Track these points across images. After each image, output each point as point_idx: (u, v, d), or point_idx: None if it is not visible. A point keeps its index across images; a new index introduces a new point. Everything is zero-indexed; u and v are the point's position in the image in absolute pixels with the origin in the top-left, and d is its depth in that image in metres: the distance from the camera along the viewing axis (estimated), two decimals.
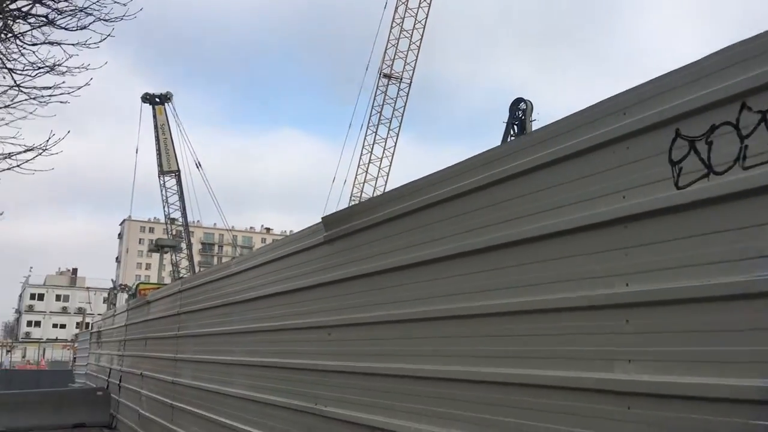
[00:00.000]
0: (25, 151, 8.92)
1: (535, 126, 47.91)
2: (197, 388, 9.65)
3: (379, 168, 56.92)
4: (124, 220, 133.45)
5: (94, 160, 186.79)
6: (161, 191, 59.16)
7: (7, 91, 8.94)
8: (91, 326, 25.15)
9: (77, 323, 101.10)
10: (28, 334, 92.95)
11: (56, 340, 48.34)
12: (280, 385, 6.75)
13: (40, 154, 9.03)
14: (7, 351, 37.20)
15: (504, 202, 3.97)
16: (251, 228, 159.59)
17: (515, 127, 48.97)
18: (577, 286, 3.33)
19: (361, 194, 56.40)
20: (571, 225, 3.40)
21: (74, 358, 49.34)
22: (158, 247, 59.27)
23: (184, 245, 62.73)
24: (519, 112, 49.18)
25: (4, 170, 9.15)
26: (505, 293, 3.86)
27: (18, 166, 8.95)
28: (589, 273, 3.28)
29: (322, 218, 6.10)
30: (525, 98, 49.09)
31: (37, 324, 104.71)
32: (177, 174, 58.99)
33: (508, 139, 48.68)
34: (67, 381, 27.94)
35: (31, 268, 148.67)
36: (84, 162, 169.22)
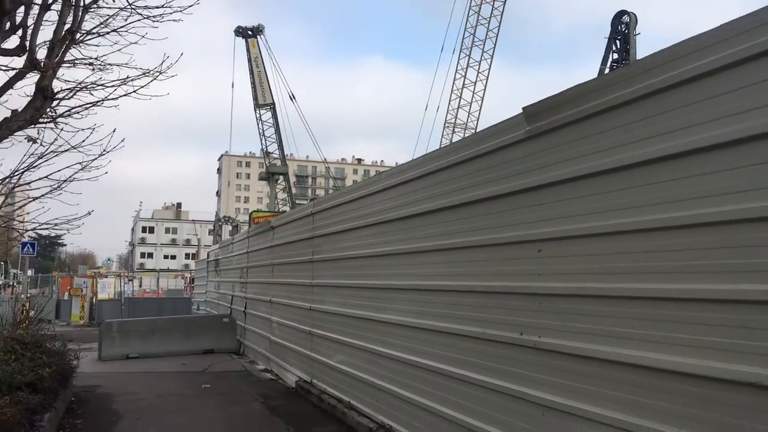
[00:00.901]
0: (141, 76, 8.23)
1: (639, 40, 44.23)
2: (342, 315, 8.95)
3: (473, 93, 54.72)
4: (222, 156, 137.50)
5: (192, 97, 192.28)
6: (257, 124, 59.58)
7: (119, 12, 8.21)
8: (208, 255, 25.52)
9: (186, 254, 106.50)
10: (141, 265, 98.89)
11: (168, 270, 50.50)
12: (460, 312, 5.80)
13: (156, 78, 8.32)
14: (129, 280, 38.87)
15: None
16: (342, 159, 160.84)
17: (617, 42, 45.47)
18: None
19: (455, 120, 54.71)
20: None
21: (192, 286, 51.57)
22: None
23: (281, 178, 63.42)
24: (622, 25, 45.54)
25: (121, 96, 8.50)
26: None
27: (134, 91, 8.29)
28: None
29: (524, 108, 4.91)
30: (628, 11, 45.32)
31: (150, 255, 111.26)
32: (272, 107, 59.09)
33: (609, 56, 45.30)
34: (186, 308, 28.83)
35: (141, 202, 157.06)
36: (183, 100, 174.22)
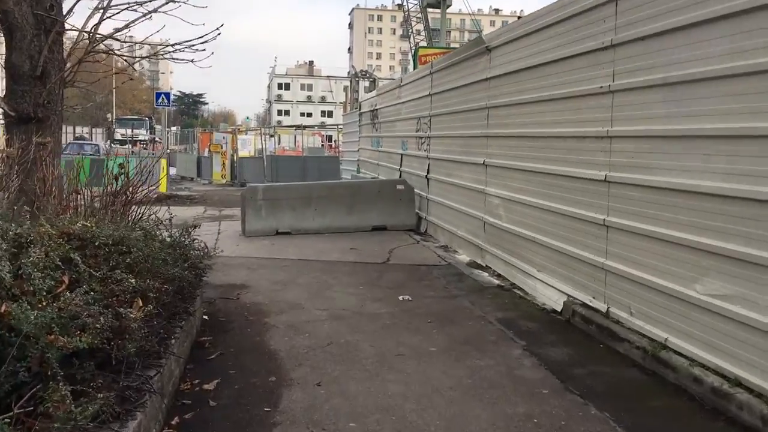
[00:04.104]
0: None
1: None
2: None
3: None
4: (353, 9, 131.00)
5: None
6: None
7: None
8: (360, 106, 21.12)
9: (321, 111, 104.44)
10: (279, 122, 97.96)
11: (304, 128, 47.43)
12: None
13: None
14: (270, 136, 35.95)
15: None
16: (479, 10, 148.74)
17: None
18: None
19: None
20: None
21: (330, 144, 48.70)
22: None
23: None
24: None
25: None
26: None
27: None
28: None
29: None
30: None
31: (286, 113, 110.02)
32: None
33: None
34: (333, 169, 25.24)
35: (276, 58, 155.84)
36: None
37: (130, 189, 6.26)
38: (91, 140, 46.88)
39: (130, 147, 42.14)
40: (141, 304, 3.76)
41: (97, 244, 3.85)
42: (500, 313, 6.43)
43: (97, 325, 3.16)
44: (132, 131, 47.08)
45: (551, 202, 6.66)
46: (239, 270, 8.69)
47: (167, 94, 26.25)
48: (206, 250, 6.33)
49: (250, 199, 12.01)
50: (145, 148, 46.31)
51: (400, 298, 7.06)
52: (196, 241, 6.22)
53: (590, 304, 5.84)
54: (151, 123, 60.53)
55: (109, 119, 65.62)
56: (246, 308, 6.67)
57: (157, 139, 49.58)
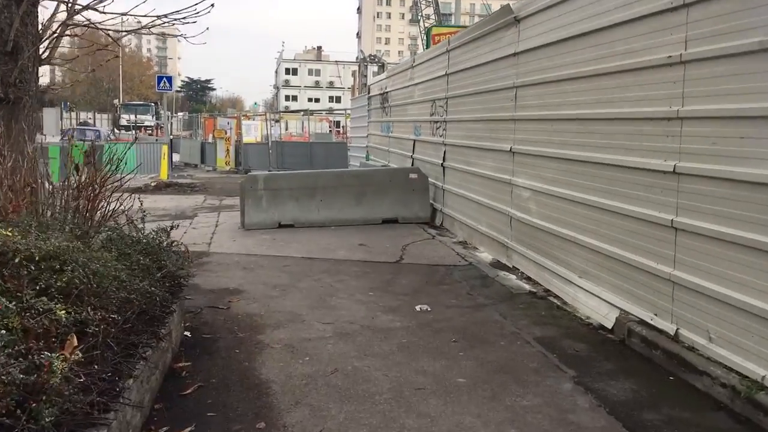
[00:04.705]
0: None
1: None
2: None
3: None
4: None
5: None
6: None
7: None
8: (369, 90, 19.98)
9: (330, 97, 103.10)
10: (286, 107, 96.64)
11: (312, 113, 46.30)
12: None
13: None
14: (275, 121, 34.91)
15: None
16: None
17: None
18: None
19: None
20: None
21: (337, 130, 47.61)
22: None
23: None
24: None
25: None
26: None
27: None
28: None
29: None
30: None
31: (294, 98, 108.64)
32: None
33: None
34: (341, 154, 24.19)
35: (284, 42, 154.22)
36: None
37: (98, 181, 5.25)
38: (95, 126, 45.89)
39: (134, 133, 41.23)
40: (75, 344, 2.76)
41: (17, 261, 2.84)
42: (538, 330, 5.40)
43: None
44: (136, 117, 45.99)
45: (597, 196, 5.60)
46: (234, 270, 7.70)
47: (169, 78, 25.10)
48: (187, 253, 5.32)
49: (250, 189, 11.00)
50: (150, 134, 45.39)
51: (418, 308, 6.04)
52: (176, 244, 5.21)
53: (652, 322, 4.80)
54: (157, 108, 59.54)
55: (117, 105, 64.67)
56: (237, 321, 5.67)
57: (162, 125, 48.64)
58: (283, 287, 6.87)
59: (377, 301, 6.31)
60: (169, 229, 5.19)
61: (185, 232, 10.61)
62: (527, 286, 6.86)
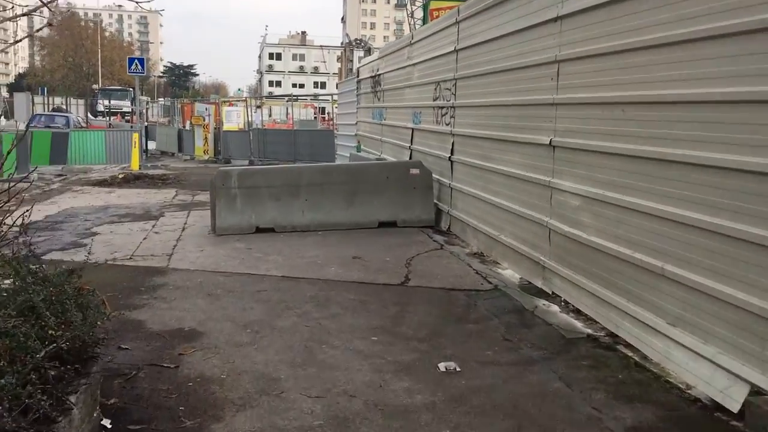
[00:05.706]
0: None
1: None
2: None
3: None
4: None
5: None
6: None
7: None
8: (358, 73, 18.06)
9: (314, 83, 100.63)
10: (270, 93, 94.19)
11: (296, 99, 44.17)
12: None
13: None
14: (257, 107, 32.94)
15: None
16: None
17: None
18: None
19: None
20: None
21: (322, 117, 45.72)
22: None
23: None
24: None
25: None
26: None
27: None
28: None
29: None
30: None
31: (278, 84, 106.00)
32: None
33: None
34: (327, 143, 22.36)
35: (267, 26, 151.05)
36: None
37: None
38: (68, 112, 43.54)
39: (108, 119, 39.04)
40: None
41: None
42: (626, 411, 3.70)
43: None
44: (110, 102, 43.66)
45: (706, 215, 3.91)
46: (195, 298, 5.95)
47: (141, 60, 23.10)
48: (105, 303, 3.57)
49: (222, 187, 9.23)
50: (128, 121, 43.11)
51: (442, 366, 4.33)
52: (88, 291, 3.45)
53: None
54: (134, 93, 57.13)
55: (96, 90, 62.10)
56: (186, 393, 3.93)
57: (135, 111, 46.25)
58: (256, 328, 5.13)
59: (384, 353, 4.60)
60: (78, 272, 3.42)
61: (145, 239, 8.88)
62: (580, 325, 5.17)
